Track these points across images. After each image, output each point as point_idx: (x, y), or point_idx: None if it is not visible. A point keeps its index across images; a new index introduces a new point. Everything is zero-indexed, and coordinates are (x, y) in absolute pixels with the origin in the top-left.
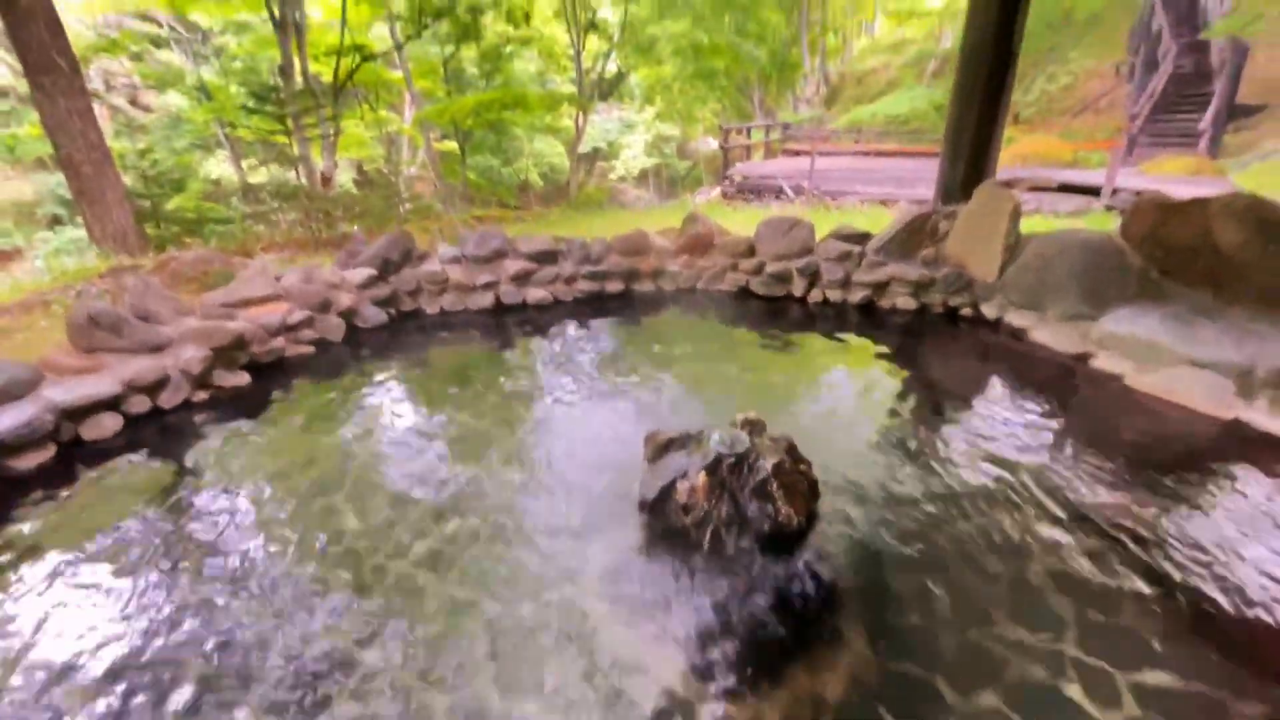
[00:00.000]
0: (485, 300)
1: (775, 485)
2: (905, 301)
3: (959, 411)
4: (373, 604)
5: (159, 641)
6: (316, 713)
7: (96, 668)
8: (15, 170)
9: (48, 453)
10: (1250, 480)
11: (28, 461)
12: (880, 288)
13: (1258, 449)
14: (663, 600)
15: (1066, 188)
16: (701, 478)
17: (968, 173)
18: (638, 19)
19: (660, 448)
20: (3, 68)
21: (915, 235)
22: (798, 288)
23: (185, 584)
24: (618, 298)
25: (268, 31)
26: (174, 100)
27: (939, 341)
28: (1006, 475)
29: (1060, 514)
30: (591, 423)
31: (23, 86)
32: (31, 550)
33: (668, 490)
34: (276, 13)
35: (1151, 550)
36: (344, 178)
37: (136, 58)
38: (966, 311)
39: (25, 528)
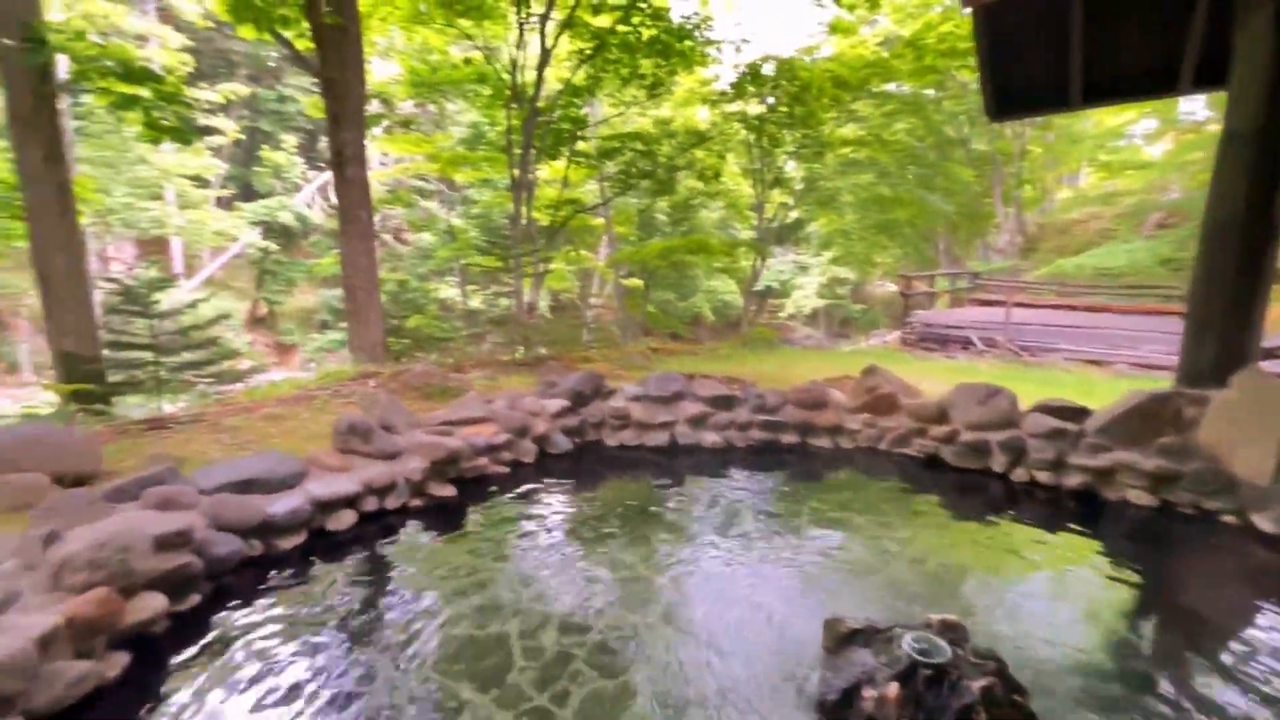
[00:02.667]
0: (661, 438)
1: (982, 715)
2: (1140, 496)
3: (1224, 650)
4: None
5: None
6: None
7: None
8: (308, 286)
9: (301, 538)
10: None
11: (288, 543)
12: (1104, 475)
13: None
14: None
15: None
16: (894, 688)
17: (1220, 353)
18: (820, 174)
19: (842, 639)
20: (320, 213)
21: (1150, 420)
22: (998, 463)
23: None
24: (792, 450)
25: (504, 187)
26: (425, 238)
27: (1189, 552)
28: None
29: None
30: (759, 589)
31: (331, 226)
32: (292, 606)
33: (851, 694)
34: (516, 175)
35: None
36: (541, 305)
37: (407, 205)
38: (1229, 519)
39: (277, 599)
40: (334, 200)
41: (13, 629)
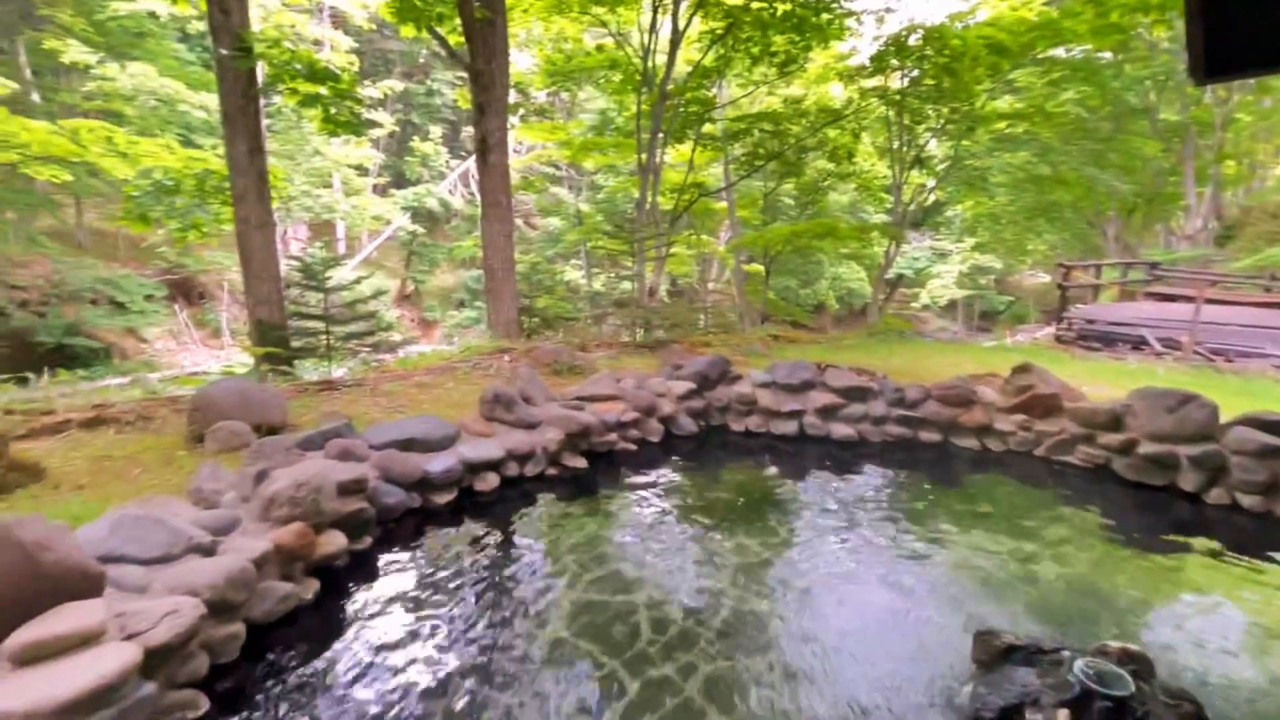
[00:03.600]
0: (789, 427)
1: None
2: None
3: None
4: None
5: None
6: None
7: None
8: (448, 267)
9: (453, 495)
10: None
11: (442, 498)
12: None
13: None
14: None
15: None
16: (1064, 715)
17: None
18: (969, 152)
19: (998, 654)
20: (460, 199)
21: None
22: (1187, 481)
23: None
24: (933, 449)
25: (630, 172)
26: (553, 222)
27: None
28: None
29: None
30: (896, 592)
31: (469, 211)
32: (447, 556)
33: (1010, 714)
34: (643, 160)
35: None
36: (660, 290)
37: (538, 191)
38: None
39: (434, 547)
40: (474, 187)
41: (237, 549)
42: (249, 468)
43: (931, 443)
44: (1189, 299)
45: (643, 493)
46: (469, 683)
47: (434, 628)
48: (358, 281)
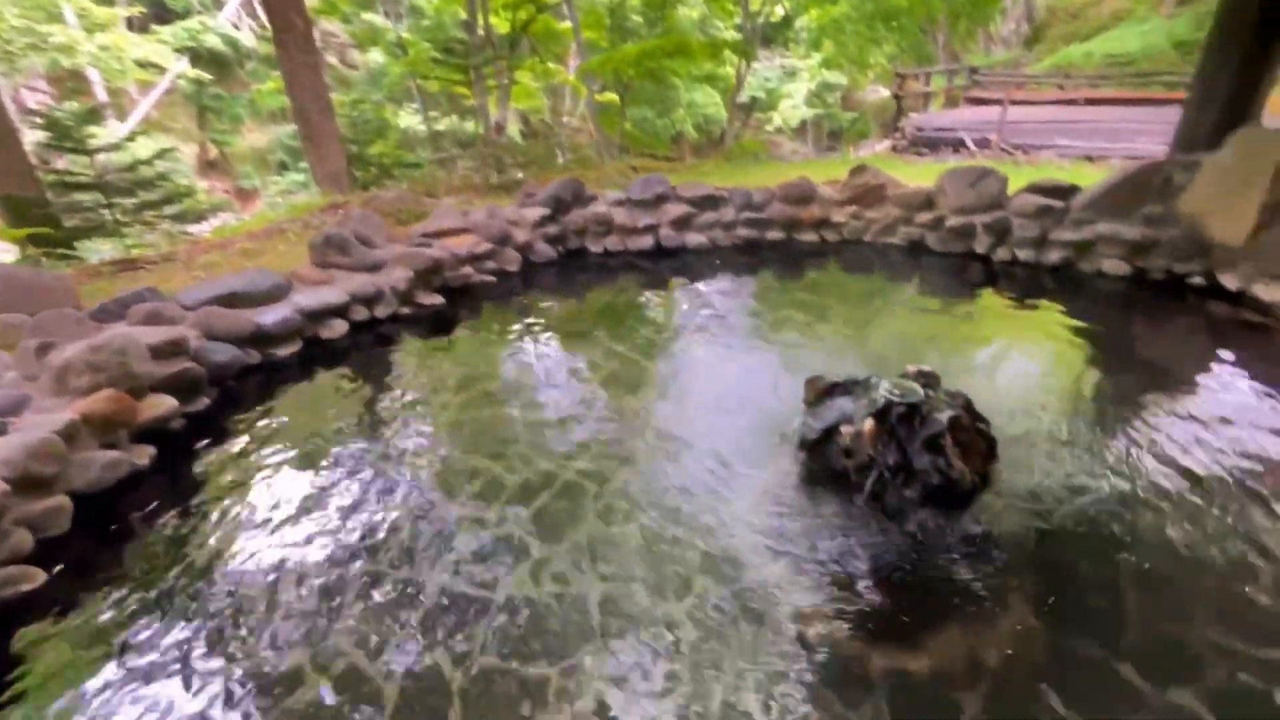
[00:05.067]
0: (645, 242)
1: (949, 439)
2: (1115, 265)
3: (1173, 394)
4: (538, 505)
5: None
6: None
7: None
8: (255, 124)
9: (297, 346)
10: None
11: (285, 350)
12: (1084, 248)
13: None
14: (814, 534)
15: None
16: (869, 424)
17: (1221, 118)
18: None
19: (822, 392)
20: (249, 34)
21: (1139, 190)
22: (982, 244)
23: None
24: (778, 247)
25: None
26: (375, 57)
27: (1155, 313)
28: (1218, 467)
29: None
30: (748, 367)
31: (265, 49)
32: (288, 415)
33: (830, 432)
34: None
35: None
36: (512, 129)
37: (346, 20)
38: (1196, 280)
39: (282, 398)
40: (262, 16)
41: (33, 425)
42: (28, 342)
43: (776, 241)
44: (999, 102)
45: (507, 320)
46: (329, 519)
47: (288, 472)
48: (131, 139)
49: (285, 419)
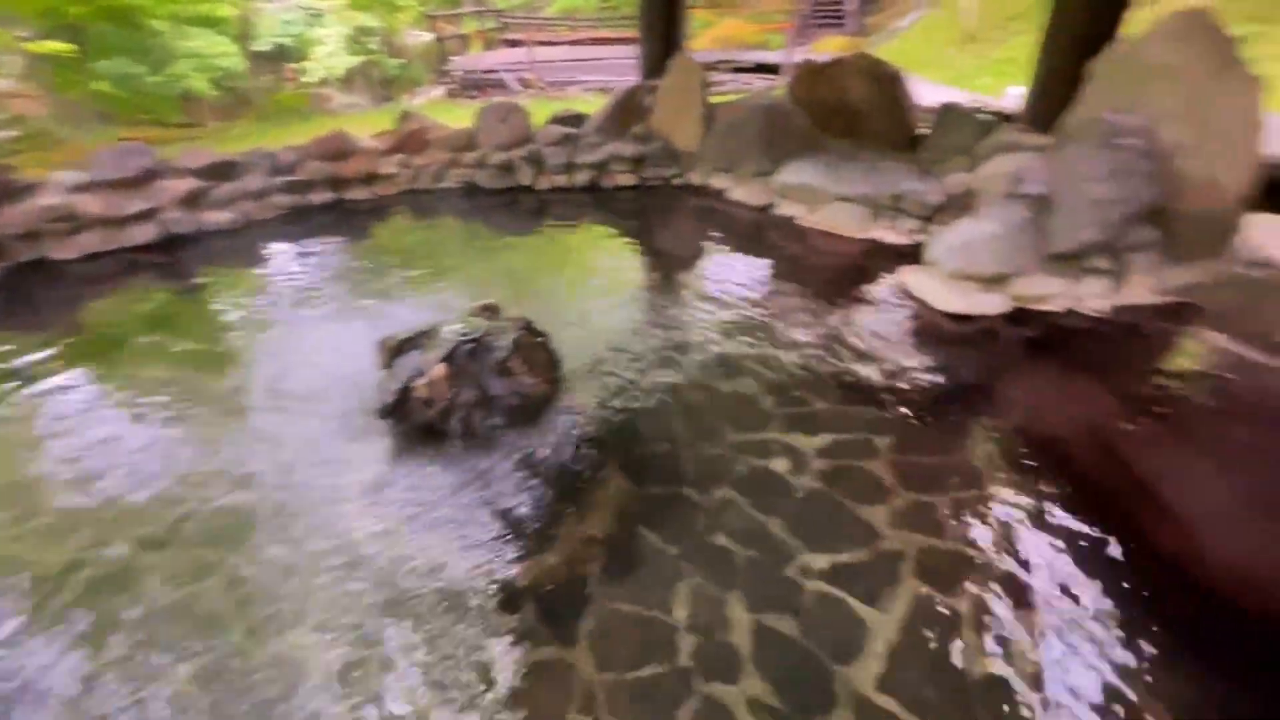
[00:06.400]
0: (145, 233)
1: (516, 360)
2: (626, 178)
3: (680, 267)
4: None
5: None
6: None
7: None
8: None
9: None
10: (882, 277)
11: None
12: (602, 167)
13: (884, 256)
14: (427, 495)
15: (761, 67)
16: (439, 369)
17: (661, 48)
18: None
19: (395, 350)
20: None
21: (626, 112)
22: (525, 176)
23: None
24: (327, 209)
25: None
26: None
27: (659, 211)
28: (723, 313)
29: (763, 334)
30: (315, 345)
31: None
32: None
33: (406, 390)
34: None
35: (829, 346)
36: None
37: None
38: (678, 180)
39: None
40: None
41: None
42: None
43: (327, 203)
44: (527, 43)
45: None
46: None
47: None
48: None
49: None
